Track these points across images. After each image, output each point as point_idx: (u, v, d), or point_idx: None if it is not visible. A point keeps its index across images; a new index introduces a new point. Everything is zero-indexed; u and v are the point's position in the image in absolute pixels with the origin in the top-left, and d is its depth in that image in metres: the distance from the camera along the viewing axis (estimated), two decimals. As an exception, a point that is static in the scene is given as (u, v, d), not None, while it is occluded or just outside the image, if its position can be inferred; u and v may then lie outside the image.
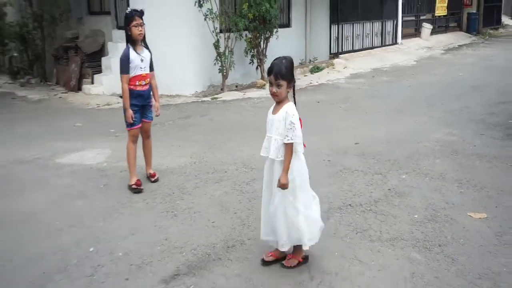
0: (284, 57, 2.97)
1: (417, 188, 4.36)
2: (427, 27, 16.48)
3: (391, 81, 10.27)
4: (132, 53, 4.28)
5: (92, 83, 9.92)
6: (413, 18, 16.63)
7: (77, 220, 3.94)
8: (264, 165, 3.12)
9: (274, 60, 2.97)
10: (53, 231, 3.77)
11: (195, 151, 5.66)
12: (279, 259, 3.16)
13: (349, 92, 9.20)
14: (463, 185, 4.41)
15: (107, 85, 9.40)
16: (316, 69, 11.28)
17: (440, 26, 18.10)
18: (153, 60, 4.51)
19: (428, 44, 15.67)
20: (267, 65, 10.24)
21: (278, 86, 2.88)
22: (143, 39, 4.38)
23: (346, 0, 12.79)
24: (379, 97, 8.68)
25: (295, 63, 10.37)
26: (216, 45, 9.02)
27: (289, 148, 2.86)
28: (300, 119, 2.92)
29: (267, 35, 9.82)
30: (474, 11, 19.18)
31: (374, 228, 3.64)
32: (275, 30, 9.86)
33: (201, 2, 8.69)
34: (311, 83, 10.17)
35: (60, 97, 9.65)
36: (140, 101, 4.41)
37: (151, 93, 4.52)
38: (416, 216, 3.82)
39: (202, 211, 4.01)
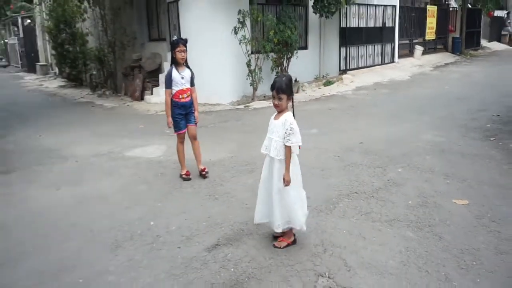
0: (284, 75, 2.91)
1: (410, 180, 4.24)
2: (418, 49, 16.00)
3: (389, 92, 10.04)
4: (174, 72, 4.25)
5: (152, 94, 10.06)
6: (407, 41, 16.18)
7: (140, 201, 4.01)
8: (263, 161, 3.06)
9: (275, 77, 2.89)
10: (122, 209, 3.85)
11: (232, 148, 5.66)
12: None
13: (355, 101, 9.04)
14: (449, 177, 4.27)
15: (163, 96, 9.46)
16: (328, 83, 11.12)
17: (429, 48, 17.54)
18: (195, 77, 4.43)
19: (419, 62, 15.20)
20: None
21: (280, 99, 2.82)
22: (185, 61, 4.31)
23: (352, 28, 12.58)
24: (379, 105, 8.50)
25: (311, 79, 10.25)
26: (248, 64, 9.02)
27: (288, 150, 2.79)
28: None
29: (288, 56, 9.75)
30: (458, 36, 18.55)
31: (376, 211, 3.56)
32: (295, 51, 9.77)
33: (237, 30, 8.73)
34: (324, 94, 10.04)
35: (127, 105, 9.83)
36: (183, 110, 4.37)
37: (192, 103, 4.44)
38: (410, 202, 3.72)
39: (237, 196, 4.01)
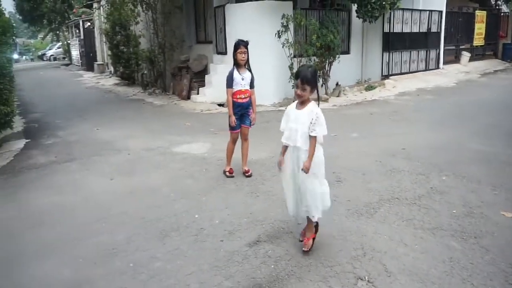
0: (310, 66, 2.83)
1: (455, 188, 4.03)
2: (466, 55, 15.14)
3: (433, 99, 9.60)
4: (235, 73, 4.28)
5: (198, 94, 10.27)
6: (454, 47, 15.38)
7: (186, 194, 4.11)
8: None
9: (299, 67, 2.81)
10: (169, 201, 3.96)
11: (273, 148, 5.62)
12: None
13: (397, 106, 8.73)
14: (497, 188, 4.01)
15: (208, 95, 9.70)
16: (370, 88, 10.82)
17: (477, 54, 16.53)
18: (255, 80, 4.43)
19: (466, 69, 14.40)
20: (330, 83, 10.13)
21: (303, 89, 2.74)
22: (247, 63, 4.32)
23: (396, 33, 12.15)
24: (422, 111, 8.15)
25: (353, 83, 9.99)
26: (290, 67, 8.95)
27: (314, 140, 2.72)
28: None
29: (330, 60, 9.58)
30: (509, 42, 17.36)
31: (418, 218, 3.42)
32: (337, 56, 9.58)
33: (280, 34, 8.70)
34: (365, 98, 9.78)
35: (175, 103, 10.11)
36: (239, 111, 4.37)
37: (250, 105, 4.44)
38: (454, 211, 3.54)
39: (278, 194, 3.97)
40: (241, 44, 4.23)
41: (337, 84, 10.10)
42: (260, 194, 4.05)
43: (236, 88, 4.32)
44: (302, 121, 2.74)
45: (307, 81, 2.73)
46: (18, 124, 7.70)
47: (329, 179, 4.30)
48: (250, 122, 4.50)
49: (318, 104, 2.82)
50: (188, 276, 2.70)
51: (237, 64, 4.31)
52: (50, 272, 2.83)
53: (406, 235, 3.14)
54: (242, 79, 4.31)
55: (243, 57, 4.25)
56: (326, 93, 9.65)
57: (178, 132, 6.80)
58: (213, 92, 9.48)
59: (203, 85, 10.24)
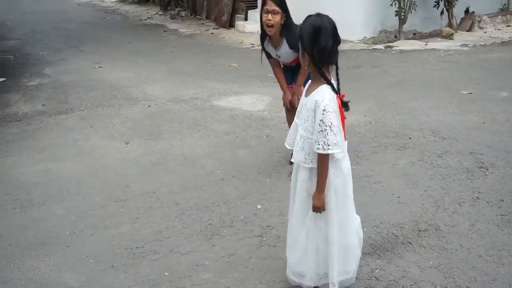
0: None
1: None
2: None
3: None
4: (266, 46, 3.99)
5: (246, 19, 10.14)
6: None
7: (240, 171, 4.08)
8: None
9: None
10: (215, 181, 3.95)
11: (369, 108, 5.45)
12: None
13: None
14: None
15: (262, 22, 9.50)
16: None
17: None
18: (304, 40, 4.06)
19: None
20: (457, 9, 9.56)
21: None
22: (284, 28, 3.79)
23: None
24: None
25: (494, 11, 9.32)
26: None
27: (323, 160, 2.32)
28: (341, 107, 2.33)
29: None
30: None
31: None
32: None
33: None
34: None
35: (211, 33, 10.07)
36: (290, 72, 4.15)
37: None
38: None
39: (383, 182, 3.85)
40: None
41: (467, 11, 9.59)
42: (354, 180, 3.79)
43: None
44: (305, 118, 2.40)
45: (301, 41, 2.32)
46: (-15, 55, 8.04)
47: (467, 164, 4.23)
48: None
49: (338, 85, 2.40)
50: (253, 298, 2.67)
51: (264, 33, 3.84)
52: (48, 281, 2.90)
53: None
54: (278, 56, 3.96)
55: (270, 21, 3.67)
56: (450, 25, 9.25)
57: (220, 78, 6.77)
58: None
59: (254, 7, 10.03)
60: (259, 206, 3.54)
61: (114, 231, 3.29)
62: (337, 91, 2.35)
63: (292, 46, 3.73)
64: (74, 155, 4.49)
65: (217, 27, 10.46)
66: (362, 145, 4.53)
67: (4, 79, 6.98)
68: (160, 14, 12.24)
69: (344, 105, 2.37)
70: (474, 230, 3.19)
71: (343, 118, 2.37)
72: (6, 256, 3.06)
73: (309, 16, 2.34)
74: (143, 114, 5.48)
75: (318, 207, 2.37)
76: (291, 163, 2.55)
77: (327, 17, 2.31)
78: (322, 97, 2.29)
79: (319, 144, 2.28)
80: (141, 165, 4.26)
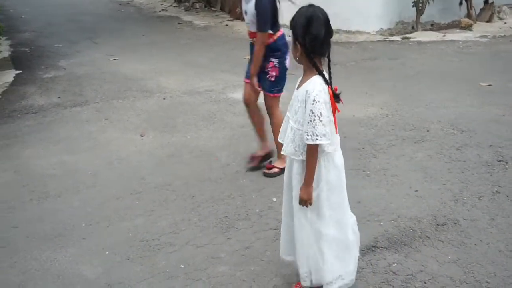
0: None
1: None
2: None
3: None
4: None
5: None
6: None
7: (256, 165, 4.07)
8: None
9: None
10: (231, 173, 3.96)
11: (386, 101, 5.42)
12: None
13: None
14: None
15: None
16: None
17: None
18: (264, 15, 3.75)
19: None
20: (476, 0, 9.43)
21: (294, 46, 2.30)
22: None
23: None
24: None
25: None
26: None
27: (312, 151, 2.28)
28: (332, 99, 2.27)
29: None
30: None
31: None
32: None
33: None
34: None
35: (226, 25, 10.06)
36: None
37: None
38: None
39: (400, 175, 3.82)
40: None
41: (486, 1, 9.52)
42: (371, 172, 3.89)
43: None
44: (296, 110, 2.36)
45: (293, 31, 2.31)
46: (3, 48, 8.08)
47: (487, 157, 4.15)
48: (268, 83, 4.00)
49: (330, 78, 2.33)
50: (269, 292, 2.67)
51: None
52: (66, 266, 2.93)
53: None
54: (246, 13, 3.79)
55: None
56: (469, 16, 9.14)
57: (235, 70, 6.74)
58: (289, 8, 9.23)
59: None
60: (274, 199, 3.54)
61: (130, 223, 3.32)
62: (329, 83, 2.30)
63: (258, 7, 3.64)
64: (90, 148, 4.53)
65: (231, 19, 10.45)
66: (379, 138, 4.50)
67: (20, 71, 7.05)
68: (174, 6, 12.27)
69: (336, 97, 2.31)
70: (493, 225, 3.16)
71: (334, 110, 2.32)
72: (24, 247, 3.10)
73: (301, 7, 2.32)
74: (158, 106, 5.50)
75: (305, 200, 2.33)
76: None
77: (319, 8, 2.29)
78: (313, 87, 2.26)
79: (308, 135, 2.25)
80: (156, 157, 4.29)
